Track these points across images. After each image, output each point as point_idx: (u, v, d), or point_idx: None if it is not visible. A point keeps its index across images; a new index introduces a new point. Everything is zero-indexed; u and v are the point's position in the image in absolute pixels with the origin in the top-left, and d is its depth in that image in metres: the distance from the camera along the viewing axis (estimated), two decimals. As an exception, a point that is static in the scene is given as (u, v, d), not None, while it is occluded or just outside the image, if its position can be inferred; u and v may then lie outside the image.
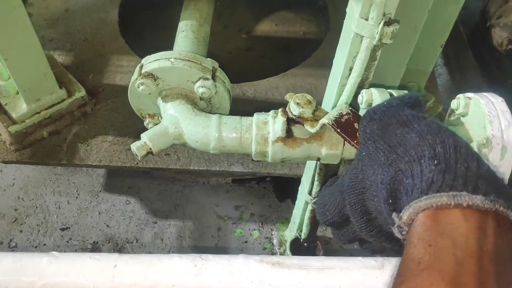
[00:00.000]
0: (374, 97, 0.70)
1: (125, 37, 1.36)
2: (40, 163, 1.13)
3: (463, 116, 0.63)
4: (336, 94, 0.74)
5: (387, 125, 0.46)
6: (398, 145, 0.42)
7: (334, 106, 0.73)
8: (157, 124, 0.76)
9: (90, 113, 1.18)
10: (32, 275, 0.56)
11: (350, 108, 0.69)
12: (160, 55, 0.72)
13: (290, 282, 0.55)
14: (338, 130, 0.65)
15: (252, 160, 0.93)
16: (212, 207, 1.29)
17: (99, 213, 1.27)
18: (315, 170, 0.89)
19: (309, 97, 0.67)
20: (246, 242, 1.23)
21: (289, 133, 0.68)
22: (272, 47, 1.57)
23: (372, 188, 0.45)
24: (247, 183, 1.33)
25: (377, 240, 0.49)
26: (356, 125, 0.66)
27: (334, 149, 0.70)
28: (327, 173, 0.86)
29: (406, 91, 0.73)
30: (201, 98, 0.74)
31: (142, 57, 1.31)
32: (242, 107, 1.24)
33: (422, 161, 0.39)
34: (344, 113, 0.68)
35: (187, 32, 0.84)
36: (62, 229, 1.24)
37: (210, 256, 0.58)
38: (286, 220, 1.25)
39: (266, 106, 1.23)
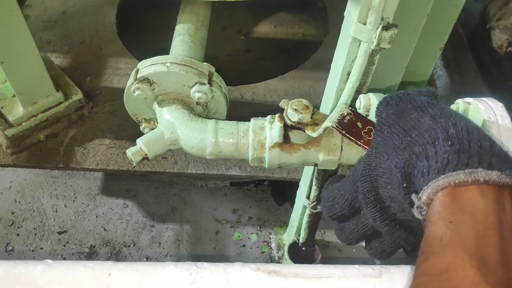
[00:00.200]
0: (372, 102, 0.69)
1: (123, 40, 1.35)
2: (37, 167, 1.12)
3: (462, 121, 0.62)
4: (334, 99, 0.73)
5: (403, 110, 0.46)
6: (413, 128, 0.43)
7: (332, 111, 0.72)
8: (153, 129, 0.75)
9: (87, 116, 1.17)
10: (26, 283, 0.56)
11: (350, 107, 0.68)
12: (156, 59, 0.71)
13: (286, 291, 0.54)
14: (343, 132, 0.64)
15: (250, 164, 0.92)
16: (210, 210, 1.28)
17: (97, 216, 1.26)
18: (313, 174, 0.88)
19: (305, 101, 0.66)
20: (244, 246, 1.22)
21: (286, 139, 0.68)
22: (271, 49, 1.57)
23: (385, 176, 0.46)
24: (245, 186, 1.32)
25: (391, 229, 0.48)
26: (359, 123, 0.65)
27: (332, 154, 0.69)
28: (325, 177, 0.85)
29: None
30: (197, 103, 0.73)
31: (140, 59, 1.31)
32: (240, 110, 1.25)
33: (436, 143, 0.40)
34: (345, 114, 0.67)
35: (184, 36, 0.83)
36: (59, 233, 1.23)
37: (205, 264, 0.57)
38: (284, 224, 1.25)
39: (264, 108, 1.23)
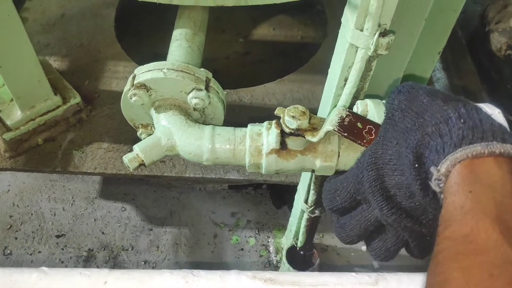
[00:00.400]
0: (369, 108, 0.69)
1: (122, 43, 1.35)
2: (35, 171, 1.12)
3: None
4: (331, 104, 0.73)
5: (415, 96, 0.48)
6: (425, 111, 0.45)
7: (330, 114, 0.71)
8: (150, 134, 0.75)
9: (86, 120, 1.17)
10: (21, 291, 0.56)
11: (347, 109, 0.68)
12: (152, 65, 0.71)
13: (282, 299, 0.54)
14: (346, 135, 0.64)
15: (248, 169, 0.92)
16: (208, 213, 1.28)
17: (95, 220, 1.26)
18: (310, 179, 0.88)
19: (301, 107, 0.66)
20: (242, 249, 1.22)
21: (283, 145, 0.67)
22: (270, 51, 1.57)
23: (392, 162, 0.47)
24: (243, 189, 1.32)
25: (397, 218, 0.48)
26: (359, 124, 0.65)
27: (329, 161, 0.69)
28: (323, 182, 0.85)
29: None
30: (194, 109, 0.73)
31: (138, 62, 1.32)
32: (238, 114, 1.25)
33: (449, 121, 0.42)
34: (344, 116, 0.67)
35: (181, 41, 0.83)
36: (57, 236, 1.23)
37: (201, 272, 0.57)
38: (282, 227, 1.25)
39: (263, 112, 1.23)
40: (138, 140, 0.77)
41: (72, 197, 1.29)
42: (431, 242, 0.48)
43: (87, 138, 1.14)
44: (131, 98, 0.70)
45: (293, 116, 0.65)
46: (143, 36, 1.47)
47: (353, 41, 0.65)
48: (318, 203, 0.91)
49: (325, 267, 1.18)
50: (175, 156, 1.10)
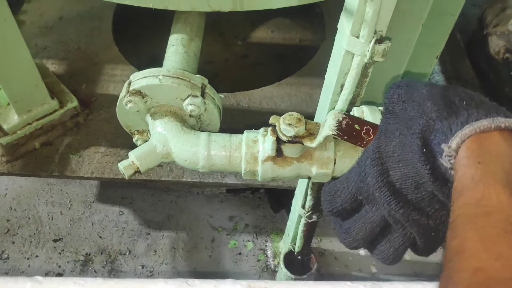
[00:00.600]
0: (365, 115, 0.69)
1: (119, 46, 1.35)
2: (32, 175, 1.11)
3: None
4: (328, 110, 0.73)
5: (414, 88, 0.50)
6: (427, 99, 0.47)
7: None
8: (146, 140, 0.75)
9: (83, 124, 1.17)
10: (15, 300, 0.55)
11: (343, 112, 0.68)
12: (148, 72, 0.71)
13: (277, 309, 0.54)
14: (345, 138, 0.64)
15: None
16: (206, 217, 1.27)
17: (92, 224, 1.25)
18: (308, 184, 0.88)
19: (296, 114, 0.65)
20: (240, 253, 1.22)
21: (279, 152, 0.67)
22: (268, 54, 1.56)
23: (396, 154, 0.48)
24: (241, 193, 1.32)
25: (405, 212, 0.48)
26: (356, 126, 0.65)
27: (325, 168, 0.69)
28: (320, 188, 0.85)
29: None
30: (190, 115, 0.73)
31: (136, 66, 1.32)
32: (236, 117, 1.24)
33: (453, 105, 0.45)
34: (341, 119, 0.66)
35: (178, 47, 0.83)
36: (55, 240, 1.23)
37: (196, 281, 0.56)
38: (280, 231, 1.24)
39: (260, 116, 1.22)
40: (135, 144, 0.76)
41: (70, 201, 1.29)
42: (438, 237, 0.49)
43: (84, 142, 1.14)
44: (126, 105, 0.70)
45: (289, 124, 0.64)
46: (141, 39, 1.46)
47: (349, 48, 0.64)
48: (315, 208, 0.91)
49: (323, 271, 1.18)
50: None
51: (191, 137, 0.69)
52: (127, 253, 1.21)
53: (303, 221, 0.99)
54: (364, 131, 0.65)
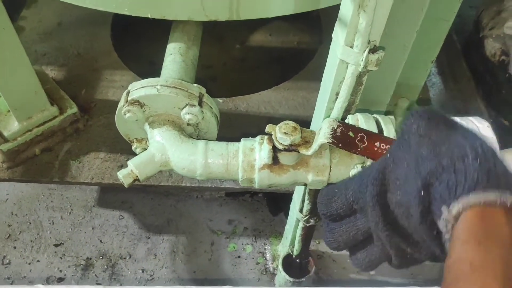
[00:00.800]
0: (360, 123, 0.70)
1: (118, 52, 1.36)
2: (32, 181, 1.12)
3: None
4: (323, 118, 0.74)
5: (435, 124, 0.48)
6: (443, 142, 0.45)
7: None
8: (145, 148, 0.76)
9: (82, 130, 1.18)
10: (17, 309, 0.57)
11: (337, 120, 0.69)
12: (146, 82, 0.72)
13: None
14: (340, 145, 0.65)
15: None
16: (206, 221, 1.29)
17: (93, 228, 1.27)
18: (305, 189, 0.89)
19: (291, 123, 0.66)
20: (239, 257, 1.23)
21: (275, 160, 0.68)
22: (267, 57, 1.57)
23: (398, 181, 0.47)
24: (240, 196, 1.33)
25: (390, 234, 0.49)
26: (350, 133, 0.66)
27: (321, 175, 0.70)
28: (317, 193, 0.86)
29: (392, 116, 0.74)
30: (188, 124, 0.74)
31: (135, 71, 1.32)
32: (235, 122, 1.25)
33: (466, 159, 0.42)
34: (335, 127, 0.67)
35: (175, 56, 0.84)
36: (56, 245, 1.24)
37: (194, 289, 0.57)
38: (279, 234, 1.25)
39: (258, 120, 1.23)
40: (134, 152, 0.78)
41: (70, 206, 1.30)
42: (412, 259, 0.50)
43: (84, 148, 1.15)
44: (125, 114, 0.71)
45: (285, 133, 0.66)
46: (140, 45, 1.47)
47: (344, 58, 0.66)
48: (313, 212, 0.92)
49: (321, 274, 1.19)
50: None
51: (189, 146, 0.70)
52: (128, 257, 1.22)
53: (301, 225, 1.00)
54: (359, 138, 0.67)
